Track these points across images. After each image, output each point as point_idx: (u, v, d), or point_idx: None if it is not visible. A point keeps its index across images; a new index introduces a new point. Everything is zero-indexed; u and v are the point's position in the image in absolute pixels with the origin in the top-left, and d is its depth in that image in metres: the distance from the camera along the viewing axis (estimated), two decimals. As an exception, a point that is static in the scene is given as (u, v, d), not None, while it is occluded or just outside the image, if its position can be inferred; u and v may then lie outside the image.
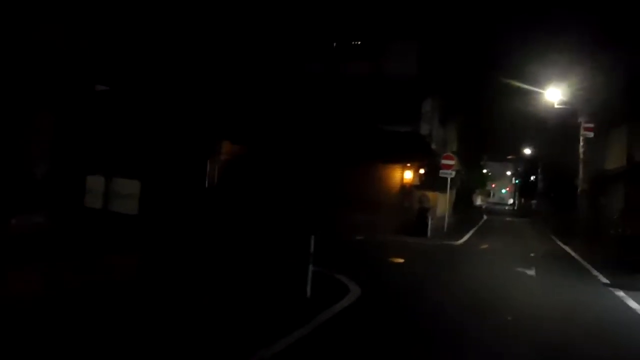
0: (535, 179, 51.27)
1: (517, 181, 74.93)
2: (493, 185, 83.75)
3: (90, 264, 6.21)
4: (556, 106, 19.55)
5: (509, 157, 72.08)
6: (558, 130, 27.25)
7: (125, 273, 6.49)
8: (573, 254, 17.17)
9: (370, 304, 8.23)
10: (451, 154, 20.80)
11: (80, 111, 8.79)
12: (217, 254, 10.41)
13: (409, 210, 21.25)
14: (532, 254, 16.46)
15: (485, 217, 38.96)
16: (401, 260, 13.05)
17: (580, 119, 19.25)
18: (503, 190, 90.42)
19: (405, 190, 22.09)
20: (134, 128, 9.95)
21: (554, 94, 19.30)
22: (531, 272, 12.35)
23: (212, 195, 19.89)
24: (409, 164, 21.99)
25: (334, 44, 24.18)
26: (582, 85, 18.78)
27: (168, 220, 8.74)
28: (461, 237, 20.40)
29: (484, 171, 57.43)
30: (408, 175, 22.03)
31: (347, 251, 14.54)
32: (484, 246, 18.03)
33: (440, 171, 21.05)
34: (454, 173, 21.18)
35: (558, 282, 11.52)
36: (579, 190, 19.22)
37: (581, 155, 19.11)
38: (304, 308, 7.53)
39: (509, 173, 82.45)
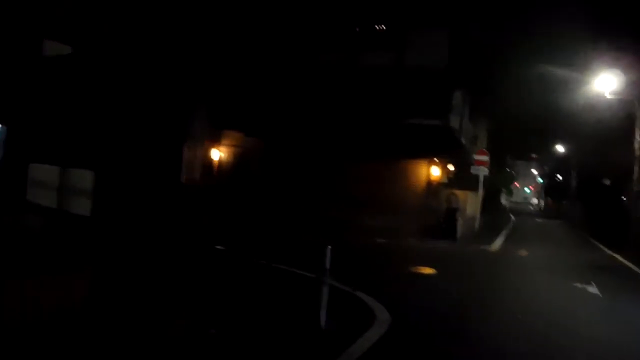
0: (566, 178, 48.60)
1: (542, 181, 72.05)
2: (517, 185, 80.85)
3: (19, 288, 4.38)
4: (608, 96, 17.26)
5: (534, 155, 69.28)
6: (599, 125, 24.85)
7: (69, 299, 4.65)
8: (629, 264, 14.98)
9: (406, 341, 6.25)
10: (484, 149, 18.68)
11: (24, 76, 6.96)
12: (196, 267, 8.64)
13: (436, 210, 19.21)
14: (581, 264, 14.31)
15: (513, 218, 36.58)
16: (432, 272, 11.05)
17: (636, 111, 16.97)
18: (527, 190, 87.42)
19: (432, 188, 20.04)
20: (91, 102, 8.12)
21: (606, 83, 17.03)
22: (593, 289, 10.23)
23: (193, 191, 18.05)
24: (436, 160, 19.94)
25: (355, 32, 22.17)
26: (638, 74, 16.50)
27: (128, 224, 6.91)
28: (494, 241, 18.29)
29: (508, 170, 54.96)
30: (435, 172, 19.98)
31: (369, 258, 12.58)
32: (523, 253, 15.90)
33: (472, 167, 18.95)
34: (487, 170, 19.06)
35: (635, 305, 9.44)
36: (634, 190, 16.96)
37: (637, 152, 16.84)
38: (315, 346, 5.61)
39: (534, 172, 79.50)
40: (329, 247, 6.45)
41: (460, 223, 18.15)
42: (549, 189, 64.59)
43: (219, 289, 7.49)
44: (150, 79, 10.36)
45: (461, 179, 20.09)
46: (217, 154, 25.12)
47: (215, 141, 25.11)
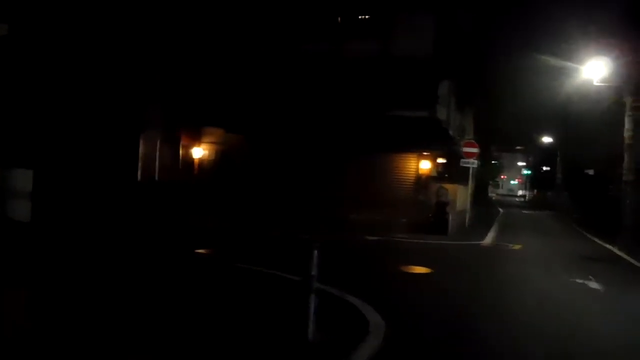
0: (552, 169, 48.53)
1: (528, 172, 72.13)
2: (503, 177, 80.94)
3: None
4: (596, 84, 16.82)
5: (518, 147, 69.22)
6: (585, 114, 24.52)
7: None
8: (624, 256, 14.58)
9: (405, 354, 5.64)
10: (473, 141, 18.16)
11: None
12: (165, 277, 7.93)
13: (426, 205, 18.67)
14: (577, 257, 13.87)
15: (501, 210, 36.30)
16: (426, 271, 10.47)
17: (625, 98, 16.55)
18: (512, 182, 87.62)
19: (421, 182, 19.47)
20: (30, 92, 7.31)
21: (594, 70, 16.58)
22: (594, 285, 9.74)
23: (153, 190, 17.24)
24: (425, 153, 19.37)
25: (338, 20, 21.53)
26: (628, 59, 16.07)
27: (73, 230, 6.15)
28: (485, 235, 17.81)
29: (493, 162, 54.77)
30: (425, 165, 19.40)
31: (359, 257, 11.97)
32: (517, 247, 15.43)
33: (462, 160, 18.43)
34: (476, 162, 18.56)
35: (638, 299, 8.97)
36: (624, 180, 16.55)
37: (627, 140, 16.43)
38: (303, 364, 4.97)
39: (519, 164, 79.68)
40: (315, 250, 5.80)
41: (450, 218, 17.65)
42: (534, 181, 64.71)
43: (192, 301, 6.82)
44: (99, 66, 9.47)
45: (450, 172, 19.57)
46: (198, 152, 24.35)
47: (196, 138, 24.33)
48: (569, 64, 17.86)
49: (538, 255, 14.20)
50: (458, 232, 17.59)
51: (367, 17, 21.21)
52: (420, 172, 19.80)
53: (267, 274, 8.92)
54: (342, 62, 20.57)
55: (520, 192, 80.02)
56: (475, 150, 18.04)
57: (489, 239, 17.02)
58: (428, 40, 19.57)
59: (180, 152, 24.94)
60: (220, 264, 9.58)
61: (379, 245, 14.26)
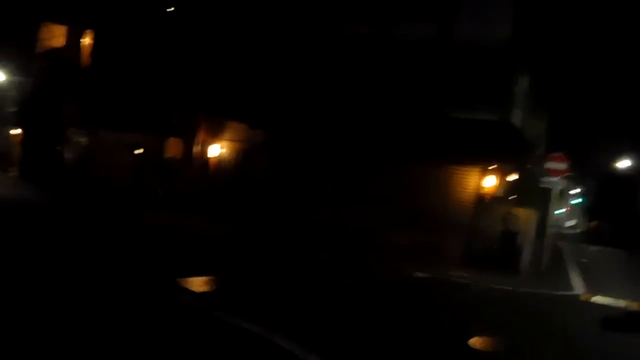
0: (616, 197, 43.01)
1: (580, 200, 66.02)
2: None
3: None
4: None
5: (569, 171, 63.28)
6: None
7: None
8: None
9: None
10: (561, 154, 13.96)
11: None
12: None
13: (487, 232, 14.56)
14: None
15: (559, 244, 31.33)
16: (500, 348, 6.44)
17: None
18: (558, 211, 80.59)
19: (483, 203, 15.33)
20: None
21: None
22: None
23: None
24: (491, 167, 15.25)
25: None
26: None
27: None
28: (570, 280, 13.51)
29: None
30: (489, 182, 15.28)
31: (403, 311, 7.99)
32: (634, 306, 10.99)
33: (543, 179, 14.21)
34: (564, 182, 14.34)
35: None
36: None
37: None
38: None
39: (572, 192, 73.44)
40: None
41: (525, 252, 13.48)
42: (590, 210, 58.72)
43: None
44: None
45: (523, 193, 15.35)
46: (216, 150, 20.92)
47: (215, 135, 20.94)
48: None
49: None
50: (533, 273, 13.34)
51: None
52: (482, 189, 15.67)
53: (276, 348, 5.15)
54: (388, 48, 16.69)
55: (571, 223, 73.73)
56: (563, 166, 13.82)
57: (578, 286, 12.65)
58: (504, 21, 15.47)
59: (195, 149, 21.66)
60: (200, 314, 5.86)
61: (431, 289, 10.21)
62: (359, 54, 16.83)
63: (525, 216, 14.45)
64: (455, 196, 15.74)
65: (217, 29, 19.63)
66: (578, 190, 69.50)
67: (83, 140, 25.75)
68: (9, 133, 30.87)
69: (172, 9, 21.66)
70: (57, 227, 12.02)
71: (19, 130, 29.28)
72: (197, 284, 7.55)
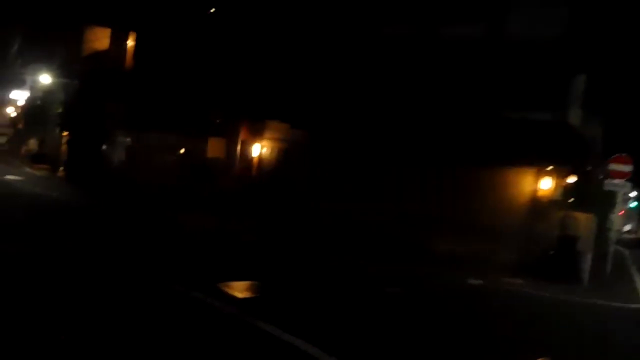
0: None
1: (636, 204, 62.81)
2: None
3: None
4: None
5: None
6: None
7: None
8: None
9: None
10: (627, 156, 12.90)
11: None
12: None
13: (544, 237, 13.63)
14: None
15: (622, 249, 29.58)
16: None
17: None
18: (616, 215, 77.17)
19: (539, 207, 14.40)
20: None
21: None
22: None
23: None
24: (548, 169, 14.31)
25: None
26: None
27: None
28: (638, 291, 12.44)
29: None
30: (545, 184, 14.34)
31: (459, 319, 7.29)
32: None
33: (606, 181, 13.19)
34: (628, 185, 13.29)
35: None
36: None
37: None
38: None
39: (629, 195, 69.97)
40: None
41: (585, 259, 12.50)
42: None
43: None
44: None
45: (583, 196, 14.34)
46: (257, 150, 20.63)
47: (256, 134, 20.63)
48: None
49: None
50: (596, 282, 12.34)
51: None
52: (537, 193, 14.75)
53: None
54: (437, 48, 15.96)
55: (626, 227, 70.32)
56: (627, 168, 12.75)
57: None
58: (559, 19, 14.53)
59: (239, 148, 21.43)
60: (244, 324, 5.37)
61: (486, 298, 9.45)
62: (405, 55, 16.18)
63: (585, 220, 13.44)
64: (508, 200, 14.87)
65: (258, 29, 19.33)
66: (635, 193, 66.23)
67: (126, 141, 25.97)
68: (56, 135, 31.54)
69: (213, 10, 21.53)
70: (96, 230, 11.86)
71: (66, 132, 29.86)
72: (239, 289, 7.09)
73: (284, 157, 20.04)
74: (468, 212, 14.61)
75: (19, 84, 37.22)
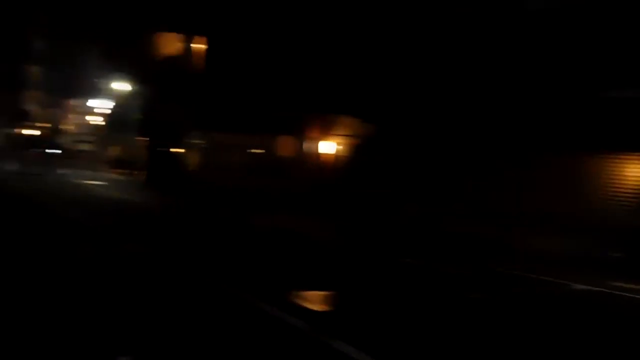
0: None
1: None
2: None
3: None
4: None
5: None
6: None
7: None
8: None
9: None
10: None
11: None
12: None
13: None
14: None
15: None
16: None
17: None
18: None
19: (648, 199, 12.66)
20: None
21: None
22: None
23: None
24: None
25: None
26: None
27: None
28: None
29: None
30: (655, 172, 12.58)
31: (576, 337, 6.12)
32: None
33: None
34: None
35: None
36: None
37: None
38: None
39: None
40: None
41: None
42: None
43: None
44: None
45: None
46: (328, 147, 19.99)
47: (326, 131, 20.01)
48: None
49: None
50: None
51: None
52: (645, 182, 12.98)
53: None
54: (523, 22, 14.49)
55: None
56: None
57: None
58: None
59: (309, 146, 20.89)
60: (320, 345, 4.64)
61: (597, 306, 8.11)
62: (486, 32, 14.86)
63: None
64: (609, 190, 13.22)
65: (326, 23, 18.69)
66: None
67: (200, 143, 26.27)
68: (135, 140, 32.62)
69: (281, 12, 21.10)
70: (170, 233, 11.68)
71: (144, 137, 30.77)
72: (312, 300, 6.38)
73: (356, 153, 19.25)
74: (562, 205, 13.15)
75: (101, 92, 38.94)
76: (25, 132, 42.83)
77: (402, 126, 16.07)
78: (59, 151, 30.38)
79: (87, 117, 44.46)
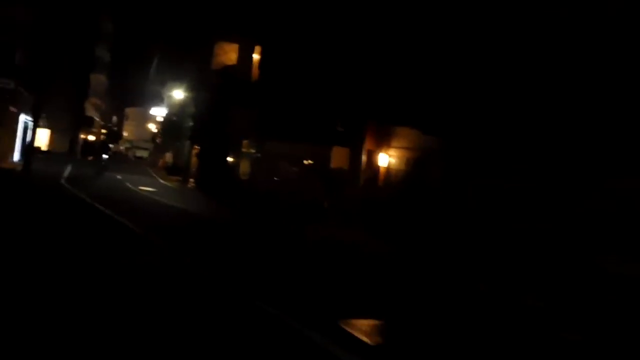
0: None
1: None
2: None
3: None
4: None
5: None
6: None
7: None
8: None
9: None
10: None
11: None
12: None
13: None
14: None
15: None
16: None
17: None
18: None
19: None
20: None
21: None
22: None
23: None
24: None
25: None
26: None
27: None
28: None
29: None
30: None
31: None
32: None
33: None
34: None
35: None
36: None
37: None
38: None
39: None
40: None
41: None
42: None
43: None
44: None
45: None
46: (384, 159, 19.00)
47: (382, 143, 19.06)
48: None
49: None
50: None
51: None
52: None
53: None
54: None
55: None
56: None
57: None
58: None
59: (364, 158, 19.99)
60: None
61: None
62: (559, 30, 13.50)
63: None
64: None
65: (384, 30, 17.81)
66: None
67: (252, 151, 25.90)
68: (188, 147, 32.70)
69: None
70: (218, 242, 11.06)
71: (196, 145, 30.78)
72: (368, 330, 5.45)
73: (415, 166, 18.15)
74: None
75: (159, 100, 39.58)
76: (89, 137, 44.18)
77: (470, 139, 14.89)
78: (106, 156, 30.62)
79: (149, 125, 45.46)
